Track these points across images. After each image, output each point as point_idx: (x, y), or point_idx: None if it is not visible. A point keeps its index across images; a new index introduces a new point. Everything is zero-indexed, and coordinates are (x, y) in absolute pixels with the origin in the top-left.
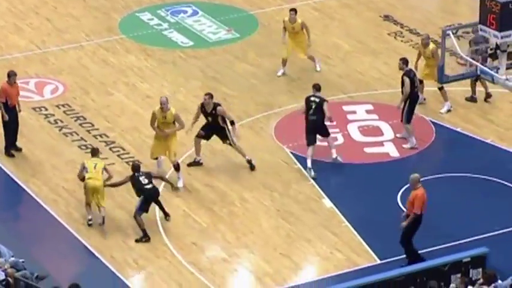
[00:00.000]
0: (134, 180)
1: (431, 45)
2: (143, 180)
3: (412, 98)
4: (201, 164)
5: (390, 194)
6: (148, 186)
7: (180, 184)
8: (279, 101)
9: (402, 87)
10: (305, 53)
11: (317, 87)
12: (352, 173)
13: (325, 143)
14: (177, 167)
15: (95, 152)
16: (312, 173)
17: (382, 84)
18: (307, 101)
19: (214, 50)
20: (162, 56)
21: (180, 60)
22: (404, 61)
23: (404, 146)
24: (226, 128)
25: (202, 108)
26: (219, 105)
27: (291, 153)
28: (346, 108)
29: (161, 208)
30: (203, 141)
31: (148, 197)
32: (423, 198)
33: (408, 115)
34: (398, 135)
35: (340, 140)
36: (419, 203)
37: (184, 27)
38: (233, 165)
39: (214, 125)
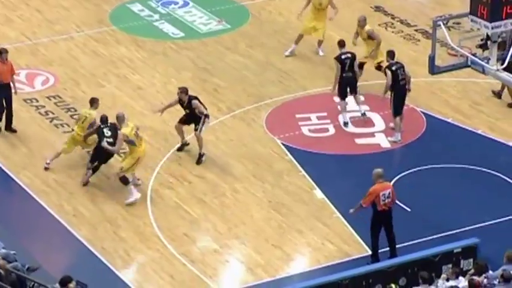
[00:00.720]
0: (98, 132)
1: (367, 27)
2: (106, 132)
3: (396, 91)
4: (188, 144)
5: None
6: (105, 143)
7: (130, 200)
8: (270, 92)
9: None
10: (323, 35)
11: (342, 44)
12: (344, 163)
13: (317, 135)
14: (123, 181)
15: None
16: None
17: (373, 75)
18: (340, 59)
19: (205, 41)
20: (153, 47)
21: (171, 51)
22: (390, 54)
23: (389, 138)
24: (201, 118)
25: (180, 101)
26: (195, 98)
27: (282, 144)
28: (337, 99)
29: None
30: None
31: (99, 153)
32: (374, 193)
33: (394, 108)
34: (391, 124)
35: (332, 131)
36: (369, 197)
37: (175, 18)
38: (224, 155)
39: (192, 115)
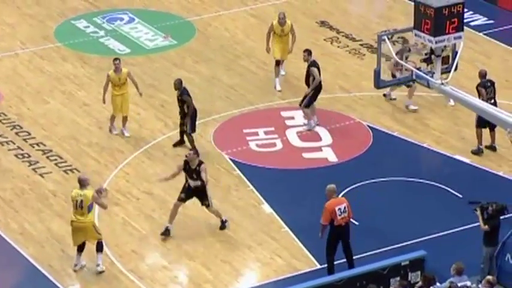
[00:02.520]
0: None
1: (288, 21)
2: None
3: (318, 86)
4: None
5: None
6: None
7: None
8: (217, 108)
9: (308, 78)
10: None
11: (309, 52)
12: (291, 178)
13: (265, 149)
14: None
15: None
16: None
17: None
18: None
19: (152, 57)
20: (99, 63)
21: None
22: (309, 52)
23: (301, 129)
24: (205, 190)
25: (186, 165)
26: (203, 163)
27: (230, 159)
28: (284, 114)
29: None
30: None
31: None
32: (330, 209)
33: (309, 100)
34: (304, 123)
35: (279, 145)
36: (325, 214)
37: (121, 34)
38: (172, 171)
39: (197, 185)
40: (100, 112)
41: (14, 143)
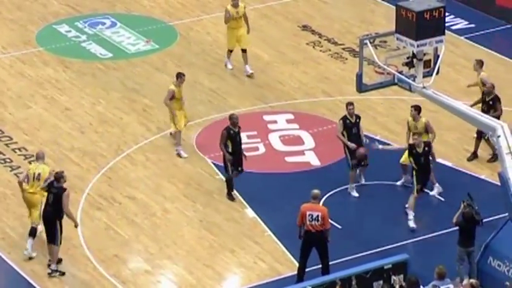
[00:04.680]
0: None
1: (242, 5)
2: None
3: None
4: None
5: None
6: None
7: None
8: (199, 112)
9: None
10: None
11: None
12: (274, 182)
13: (247, 153)
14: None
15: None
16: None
17: (301, 94)
18: None
19: (134, 62)
20: (80, 68)
21: (99, 72)
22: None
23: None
24: None
25: None
26: None
27: (213, 163)
28: (266, 117)
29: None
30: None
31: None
32: (302, 212)
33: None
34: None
35: (262, 149)
36: (299, 216)
37: (102, 38)
38: (155, 176)
39: None
40: (82, 117)
41: None
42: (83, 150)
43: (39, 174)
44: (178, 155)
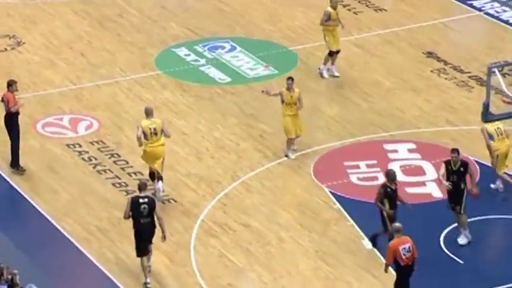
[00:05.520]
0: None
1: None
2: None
3: None
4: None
5: (433, 235)
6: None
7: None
8: (318, 139)
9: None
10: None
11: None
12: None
13: (366, 183)
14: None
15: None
16: None
17: (424, 122)
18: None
19: (252, 87)
20: (198, 92)
21: (217, 96)
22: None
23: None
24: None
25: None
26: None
27: (330, 192)
28: (387, 146)
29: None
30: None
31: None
32: (393, 248)
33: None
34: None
35: (382, 179)
36: (388, 254)
37: (221, 63)
38: (270, 203)
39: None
40: (198, 142)
41: (112, 172)
42: (199, 176)
43: (154, 128)
44: (286, 156)
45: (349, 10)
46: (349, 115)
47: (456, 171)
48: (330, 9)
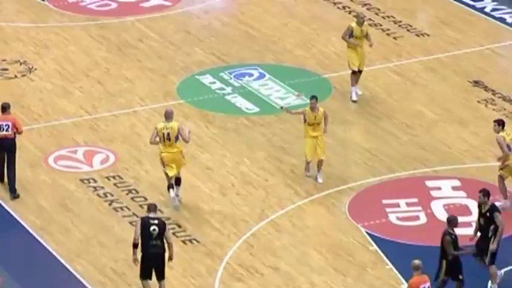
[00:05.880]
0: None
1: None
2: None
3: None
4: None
5: (481, 279)
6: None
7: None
8: (353, 175)
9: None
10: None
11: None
12: (436, 256)
13: (407, 223)
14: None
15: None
16: None
17: (470, 157)
18: None
19: (283, 117)
20: (224, 123)
21: (244, 127)
22: (486, 194)
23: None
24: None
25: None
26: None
27: (367, 233)
28: (429, 183)
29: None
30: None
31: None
32: (413, 286)
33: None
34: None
35: (423, 219)
36: None
37: (249, 91)
38: (301, 244)
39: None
40: (223, 177)
41: (129, 209)
42: (224, 213)
43: (168, 134)
44: (307, 175)
45: (388, 35)
46: (388, 148)
47: (483, 215)
48: (354, 24)
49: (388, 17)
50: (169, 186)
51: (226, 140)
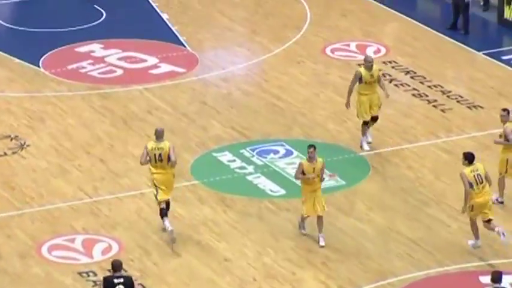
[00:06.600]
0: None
1: (376, 67)
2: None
3: None
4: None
5: None
6: None
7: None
8: (395, 268)
9: None
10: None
11: None
12: None
13: None
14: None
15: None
16: None
17: None
18: None
19: None
20: (245, 207)
21: (268, 213)
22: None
23: None
24: None
25: None
26: None
27: None
28: (484, 279)
29: None
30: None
31: None
32: None
33: None
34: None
35: None
36: None
37: (274, 171)
38: None
39: None
40: (244, 270)
41: None
42: None
43: (160, 154)
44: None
45: (435, 107)
46: (435, 238)
47: None
48: (361, 69)
49: (435, 86)
50: (162, 214)
51: (247, 227)
